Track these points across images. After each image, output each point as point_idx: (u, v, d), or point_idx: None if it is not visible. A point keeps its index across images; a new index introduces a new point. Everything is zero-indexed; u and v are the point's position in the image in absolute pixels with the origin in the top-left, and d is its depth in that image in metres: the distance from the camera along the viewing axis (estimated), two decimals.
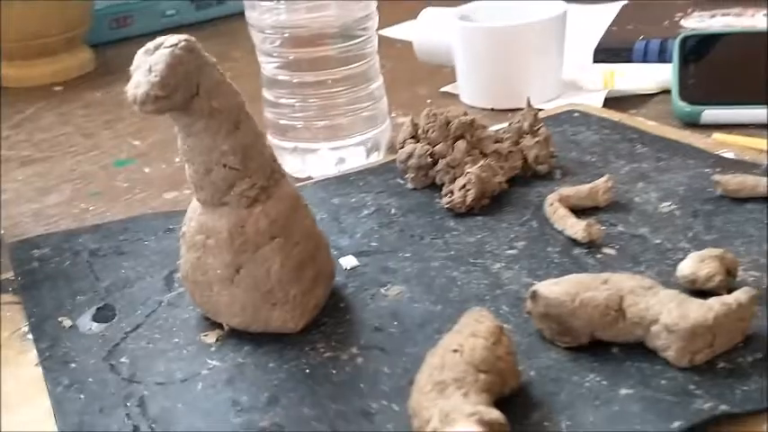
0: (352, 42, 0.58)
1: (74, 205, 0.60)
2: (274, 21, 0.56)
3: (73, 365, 0.38)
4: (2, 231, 0.55)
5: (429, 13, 0.76)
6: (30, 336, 0.41)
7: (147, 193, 0.61)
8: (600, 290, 0.35)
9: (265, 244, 0.37)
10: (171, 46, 0.33)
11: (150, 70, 0.32)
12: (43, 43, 0.90)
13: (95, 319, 0.42)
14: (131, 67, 0.34)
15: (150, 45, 0.33)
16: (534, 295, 0.35)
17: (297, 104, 0.58)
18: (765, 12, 0.76)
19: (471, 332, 0.32)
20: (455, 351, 0.32)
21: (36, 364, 0.39)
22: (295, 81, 0.58)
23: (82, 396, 0.36)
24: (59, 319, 0.42)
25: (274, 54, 0.58)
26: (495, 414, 0.29)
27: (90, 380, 0.37)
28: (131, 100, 0.33)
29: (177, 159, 0.66)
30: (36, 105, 0.84)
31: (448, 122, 0.51)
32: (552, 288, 0.35)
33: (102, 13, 1.01)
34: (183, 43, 0.33)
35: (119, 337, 0.40)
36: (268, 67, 0.59)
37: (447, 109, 0.53)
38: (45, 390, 0.37)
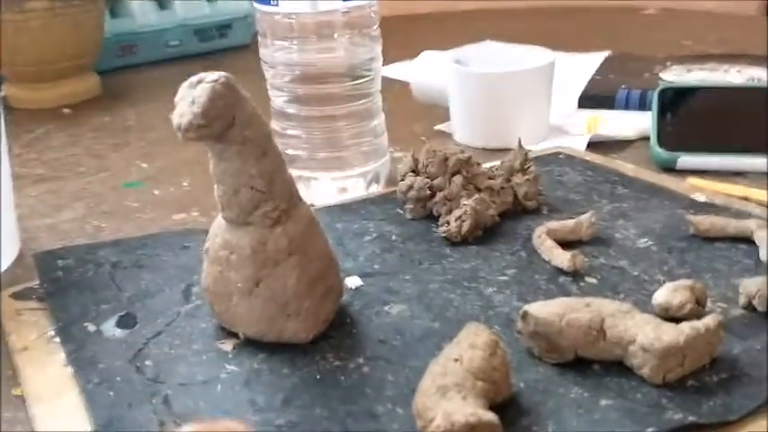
0: (357, 81, 0.62)
1: (87, 222, 0.64)
2: (286, 59, 0.61)
3: (101, 366, 0.41)
4: (19, 245, 0.58)
5: (426, 55, 0.81)
6: (56, 339, 0.45)
7: (157, 214, 0.65)
8: (583, 312, 0.39)
9: (284, 260, 0.41)
10: (212, 81, 0.37)
11: (193, 102, 0.36)
12: (56, 68, 0.93)
13: (118, 325, 0.45)
14: (176, 98, 0.37)
15: (193, 79, 0.37)
16: (525, 315, 0.39)
17: (303, 136, 0.63)
18: (737, 68, 0.82)
19: (470, 344, 0.36)
20: (455, 360, 0.35)
21: (65, 365, 0.42)
22: (303, 114, 0.62)
23: (111, 393, 0.39)
24: (85, 324, 0.45)
25: (284, 89, 0.62)
26: (490, 416, 0.33)
27: (118, 379, 0.40)
28: (176, 127, 0.36)
29: (185, 183, 0.70)
30: (46, 126, 0.88)
31: (446, 158, 0.56)
32: (541, 309, 0.39)
33: (110, 41, 1.05)
34: (222, 79, 0.37)
35: (141, 342, 0.43)
36: (278, 100, 0.63)
37: (446, 146, 0.58)
38: (72, 387, 0.40)
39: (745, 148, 0.65)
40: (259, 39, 0.63)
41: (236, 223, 0.41)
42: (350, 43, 0.61)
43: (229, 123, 0.37)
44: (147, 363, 0.41)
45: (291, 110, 0.62)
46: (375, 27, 0.62)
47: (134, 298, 0.47)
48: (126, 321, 0.45)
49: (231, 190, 0.40)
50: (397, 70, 0.93)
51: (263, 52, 0.62)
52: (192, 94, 0.37)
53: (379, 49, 0.63)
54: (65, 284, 0.49)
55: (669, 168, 0.66)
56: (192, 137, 0.37)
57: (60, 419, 0.38)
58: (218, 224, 0.42)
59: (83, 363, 0.42)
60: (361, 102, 0.63)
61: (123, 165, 0.76)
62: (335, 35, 0.60)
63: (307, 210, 0.43)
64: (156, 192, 0.69)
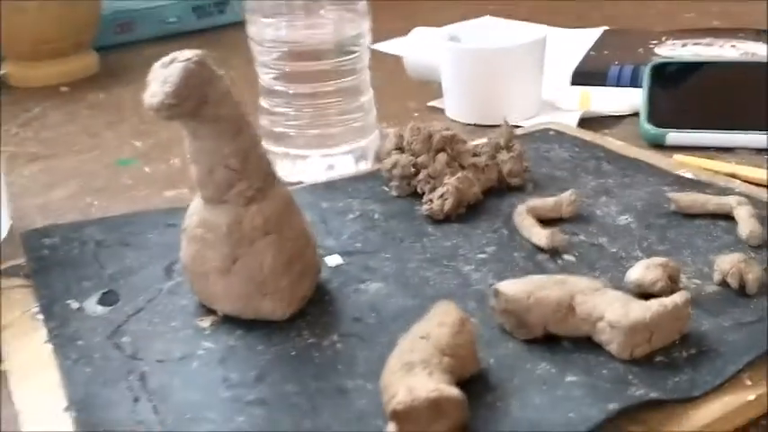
0: (345, 58, 0.62)
1: (78, 200, 0.64)
2: (274, 36, 0.61)
3: (80, 342, 0.42)
4: (10, 222, 0.59)
5: (419, 32, 0.81)
6: (39, 316, 0.45)
7: (149, 191, 0.65)
8: (553, 289, 0.39)
9: (260, 239, 0.41)
10: (184, 60, 0.37)
11: (166, 81, 0.36)
12: (54, 47, 0.94)
13: (100, 302, 0.46)
14: (148, 78, 0.38)
15: (166, 59, 0.38)
16: (496, 292, 0.40)
17: (291, 113, 0.63)
18: (732, 43, 0.81)
19: (439, 321, 0.37)
20: (423, 337, 0.36)
21: (46, 342, 0.43)
22: (290, 92, 0.62)
23: (88, 369, 0.40)
24: (67, 302, 0.46)
25: (272, 66, 0.62)
26: (453, 391, 0.33)
27: (96, 356, 0.41)
28: (148, 107, 0.37)
29: (175, 161, 0.71)
30: (43, 105, 0.88)
31: (430, 136, 0.56)
32: (511, 286, 0.40)
33: (107, 18, 1.06)
34: (195, 58, 0.37)
35: (122, 319, 0.44)
36: (266, 77, 0.63)
37: (430, 123, 0.58)
38: (52, 364, 0.41)
39: (734, 124, 0.65)
40: (247, 16, 0.63)
41: (212, 202, 0.41)
42: (337, 19, 0.61)
43: (202, 102, 0.38)
44: (126, 339, 0.42)
45: (279, 87, 0.62)
46: (362, 2, 0.62)
47: (117, 275, 0.48)
48: (108, 298, 0.46)
49: (206, 169, 0.40)
50: (392, 45, 0.93)
51: (250, 29, 0.62)
52: (164, 74, 0.37)
53: (366, 25, 0.63)
54: (50, 262, 0.49)
55: (658, 145, 0.66)
56: (165, 116, 0.37)
57: (38, 396, 0.39)
58: (196, 203, 0.43)
59: (63, 340, 0.42)
60: (348, 78, 0.63)
61: (117, 142, 0.77)
62: (322, 11, 0.60)
63: (283, 189, 0.43)
64: (148, 169, 0.70)
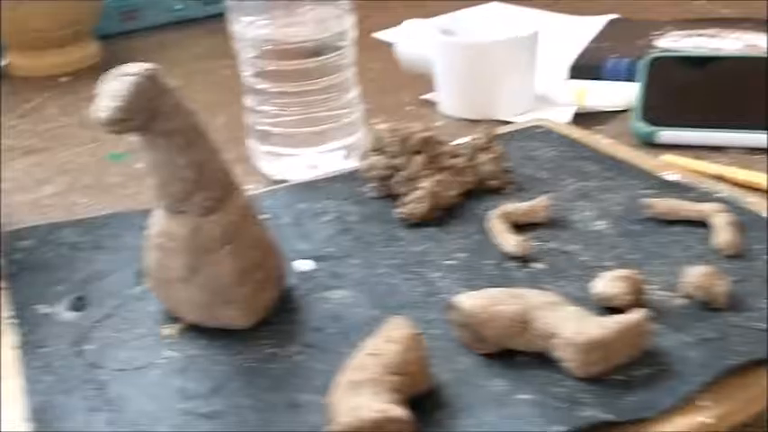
0: (329, 55, 0.62)
1: (66, 197, 0.65)
2: (255, 34, 0.60)
3: (45, 349, 0.42)
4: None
5: (411, 24, 0.80)
6: (14, 321, 0.46)
7: (136, 189, 0.65)
8: (509, 304, 0.39)
9: (218, 249, 0.41)
10: (133, 74, 0.37)
11: (114, 96, 0.36)
12: (54, 35, 0.94)
13: (70, 308, 0.46)
14: (97, 91, 0.38)
15: (115, 71, 0.38)
16: (451, 306, 0.39)
17: (274, 111, 0.62)
18: (737, 35, 0.79)
19: (387, 338, 0.36)
20: (371, 354, 0.36)
21: (14, 347, 0.43)
22: (273, 90, 0.62)
23: (50, 378, 0.40)
24: (38, 307, 0.46)
25: (254, 64, 0.62)
26: (399, 411, 0.33)
27: (57, 363, 0.41)
28: (95, 121, 0.37)
29: None
30: (42, 96, 0.89)
31: (407, 138, 0.55)
32: (467, 300, 0.39)
33: (112, 5, 1.06)
34: (144, 72, 0.37)
35: (88, 325, 0.44)
36: (247, 75, 0.63)
37: (410, 124, 0.57)
38: (18, 372, 0.42)
39: (731, 122, 0.64)
40: (227, 14, 0.62)
41: (171, 211, 0.41)
42: (319, 16, 0.61)
43: (152, 116, 0.38)
44: (90, 347, 0.42)
45: (261, 85, 0.62)
46: None
47: (88, 280, 0.48)
48: (78, 304, 0.46)
49: (161, 181, 0.40)
50: (393, 35, 0.92)
51: (232, 28, 0.62)
52: (113, 88, 0.37)
53: (350, 21, 0.62)
54: (24, 265, 0.50)
55: (650, 143, 0.65)
56: (114, 130, 0.37)
57: (3, 404, 0.39)
58: (158, 211, 0.43)
59: (30, 346, 0.43)
60: (332, 76, 0.62)
61: (113, 136, 0.77)
62: (303, 9, 0.60)
63: (242, 198, 0.43)
64: (139, 165, 0.70)
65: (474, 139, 0.57)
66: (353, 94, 0.65)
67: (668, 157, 0.61)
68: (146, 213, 0.55)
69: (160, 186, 0.40)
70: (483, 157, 0.56)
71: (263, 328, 0.43)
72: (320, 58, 0.61)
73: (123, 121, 0.36)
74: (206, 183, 0.40)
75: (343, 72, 0.63)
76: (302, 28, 0.60)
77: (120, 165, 0.70)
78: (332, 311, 0.44)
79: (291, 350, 0.41)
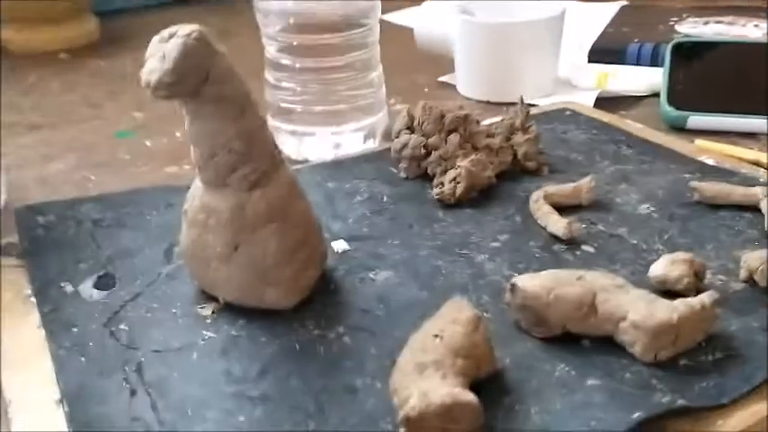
0: (354, 31, 0.60)
1: (76, 173, 0.62)
2: (281, 6, 0.58)
3: (75, 330, 0.40)
4: (4, 197, 0.56)
5: (431, 4, 0.78)
6: (33, 299, 0.43)
7: (149, 167, 0.63)
8: (574, 286, 0.37)
9: (263, 226, 0.39)
10: (184, 36, 0.34)
11: (164, 57, 0.34)
12: (51, 10, 0.91)
13: (97, 286, 0.44)
14: (146, 54, 0.35)
15: (165, 33, 0.35)
16: (513, 288, 0.38)
17: (298, 88, 0.60)
18: (755, 22, 0.78)
19: (452, 319, 0.35)
20: (436, 336, 0.34)
21: (38, 327, 0.41)
22: (297, 66, 0.60)
23: (83, 359, 0.38)
24: (62, 285, 0.44)
25: (278, 38, 0.60)
26: (469, 396, 0.31)
27: (91, 344, 0.39)
28: (144, 85, 0.34)
29: (178, 134, 0.68)
30: (42, 72, 0.86)
31: (442, 116, 0.53)
32: (530, 281, 0.37)
33: None
34: (196, 33, 0.35)
35: (118, 304, 0.42)
36: (271, 50, 0.61)
37: (443, 102, 0.55)
38: (45, 352, 0.39)
39: (761, 109, 0.62)
40: None
41: (213, 185, 0.39)
42: None
43: (203, 80, 0.35)
44: (123, 327, 0.40)
45: (285, 61, 0.60)
46: None
47: (114, 257, 0.46)
48: (104, 282, 0.44)
49: (207, 152, 0.38)
50: (403, 16, 0.90)
51: (257, 2, 0.60)
52: (162, 49, 0.35)
53: None
54: (44, 242, 0.47)
55: (679, 128, 0.64)
56: (162, 95, 0.35)
57: (30, 386, 0.37)
58: (197, 185, 0.40)
59: (57, 326, 0.40)
60: (358, 53, 0.60)
61: (118, 113, 0.74)
62: None
63: (288, 172, 0.41)
64: (149, 143, 0.67)
65: (509, 119, 0.55)
66: (377, 72, 0.63)
67: (702, 142, 0.59)
68: (168, 191, 0.53)
69: (205, 158, 0.38)
70: (519, 138, 0.54)
71: (305, 309, 0.41)
72: (346, 33, 0.59)
73: (174, 85, 0.34)
74: (254, 155, 0.38)
75: (369, 49, 0.61)
76: (329, 1, 0.58)
77: (130, 142, 0.68)
78: (377, 293, 0.42)
79: (339, 331, 0.39)
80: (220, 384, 0.36)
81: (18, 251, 0.48)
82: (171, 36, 0.35)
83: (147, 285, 0.43)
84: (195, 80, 0.35)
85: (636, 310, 0.36)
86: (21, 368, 0.38)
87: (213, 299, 0.42)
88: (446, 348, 0.33)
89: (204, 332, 0.40)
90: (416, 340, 0.34)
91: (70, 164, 0.64)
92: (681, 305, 0.36)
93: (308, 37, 0.59)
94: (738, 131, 0.62)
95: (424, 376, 0.32)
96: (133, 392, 0.36)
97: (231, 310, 0.41)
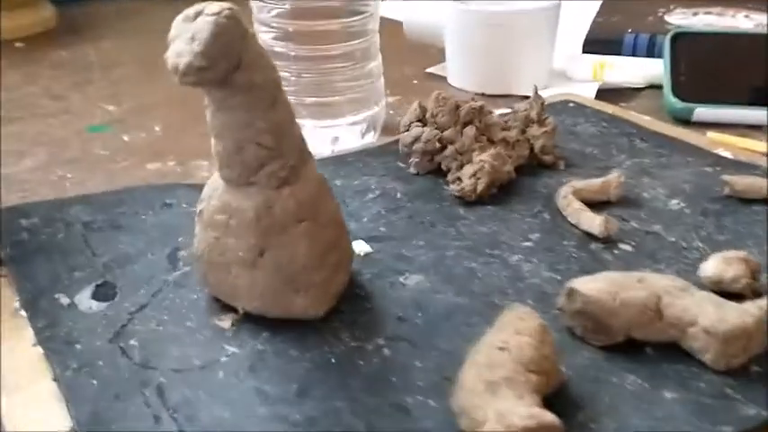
0: (354, 18, 0.56)
1: (50, 171, 0.57)
2: None
3: (78, 347, 0.36)
4: None
5: None
6: (23, 312, 0.39)
7: (129, 162, 0.58)
8: (637, 289, 0.34)
9: (293, 227, 0.35)
10: (214, 14, 0.30)
11: (193, 39, 0.30)
12: None
13: (95, 297, 0.39)
14: (169, 35, 0.31)
15: (190, 12, 0.31)
16: (572, 292, 0.35)
17: (292, 78, 0.56)
18: (745, 13, 0.77)
19: (515, 330, 0.31)
20: (501, 349, 0.31)
21: (34, 344, 0.36)
22: (292, 54, 0.56)
23: (94, 381, 0.33)
24: (56, 296, 0.39)
25: (273, 24, 0.56)
26: (550, 417, 0.28)
27: (100, 363, 0.34)
28: (172, 69, 0.30)
29: (158, 128, 0.64)
30: None
31: (458, 107, 0.50)
32: (590, 285, 0.35)
33: None
34: (226, 11, 0.31)
35: (124, 317, 0.38)
36: (265, 37, 0.56)
37: (454, 94, 0.52)
38: (46, 371, 0.35)
39: (762, 101, 0.61)
40: None
41: (236, 184, 0.35)
42: None
43: (234, 66, 0.31)
44: (133, 342, 0.36)
45: (280, 49, 0.56)
46: None
47: (112, 264, 0.41)
48: (104, 292, 0.40)
49: (233, 146, 0.34)
50: (389, 8, 0.86)
51: None
52: (190, 30, 0.30)
53: None
54: (31, 248, 0.43)
55: (684, 120, 0.62)
56: (191, 81, 0.30)
57: (33, 413, 0.33)
58: (215, 184, 0.36)
59: (57, 343, 0.36)
60: (357, 41, 0.57)
61: (86, 107, 0.69)
62: None
63: (315, 168, 0.37)
64: (126, 137, 0.63)
65: (523, 111, 0.53)
66: (376, 62, 0.59)
67: (714, 135, 0.57)
68: (163, 189, 0.49)
69: (231, 153, 0.34)
70: (535, 131, 0.52)
71: (335, 318, 0.37)
72: (346, 20, 0.56)
73: (205, 70, 0.30)
74: (284, 149, 0.34)
75: (368, 37, 0.58)
76: None
77: (104, 137, 0.63)
78: (411, 299, 0.39)
79: (377, 343, 0.36)
80: (255, 406, 0.32)
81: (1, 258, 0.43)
82: (198, 14, 0.31)
83: (152, 295, 0.39)
84: (226, 65, 0.31)
85: (705, 314, 0.33)
86: (19, 393, 0.34)
87: (230, 309, 0.38)
88: (515, 363, 0.30)
89: (226, 347, 0.36)
90: (479, 354, 0.31)
91: (41, 161, 0.59)
92: (751, 308, 0.34)
93: (305, 23, 0.55)
94: (746, 123, 0.61)
95: (499, 396, 0.29)
96: (157, 418, 0.32)
97: (252, 321, 0.37)
